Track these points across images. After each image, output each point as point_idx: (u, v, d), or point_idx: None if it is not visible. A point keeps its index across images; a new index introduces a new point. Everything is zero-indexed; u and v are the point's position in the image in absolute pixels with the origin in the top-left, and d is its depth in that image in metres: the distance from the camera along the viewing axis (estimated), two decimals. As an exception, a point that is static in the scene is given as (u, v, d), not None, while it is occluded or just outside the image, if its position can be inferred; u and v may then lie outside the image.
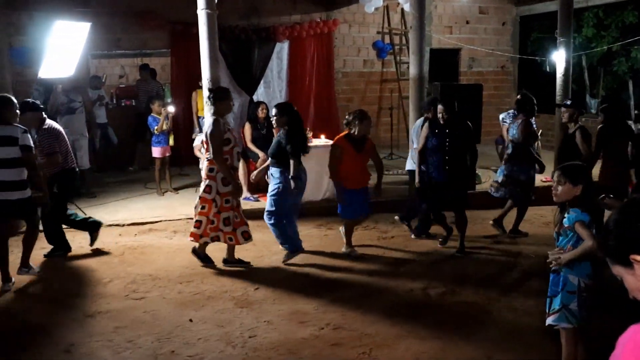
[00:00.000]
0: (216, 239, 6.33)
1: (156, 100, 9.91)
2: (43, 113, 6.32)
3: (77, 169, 6.80)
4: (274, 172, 6.56)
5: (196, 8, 8.00)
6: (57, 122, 9.54)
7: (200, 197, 6.27)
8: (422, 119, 7.30)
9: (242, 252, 6.86)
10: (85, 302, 5.53)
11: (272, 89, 12.66)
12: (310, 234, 7.62)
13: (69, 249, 6.89)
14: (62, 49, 7.79)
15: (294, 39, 12.53)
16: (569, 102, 7.12)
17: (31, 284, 6.01)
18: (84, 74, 11.40)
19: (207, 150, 6.28)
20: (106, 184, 10.51)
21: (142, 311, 5.27)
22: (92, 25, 8.80)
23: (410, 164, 7.46)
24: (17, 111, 5.94)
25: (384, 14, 13.22)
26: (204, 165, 6.49)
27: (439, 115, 6.71)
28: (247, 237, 6.39)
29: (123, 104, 13.15)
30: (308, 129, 9.64)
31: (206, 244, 6.39)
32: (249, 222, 7.62)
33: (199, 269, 6.34)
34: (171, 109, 9.64)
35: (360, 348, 4.50)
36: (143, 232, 7.73)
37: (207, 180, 6.22)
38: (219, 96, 6.36)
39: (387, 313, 5.14)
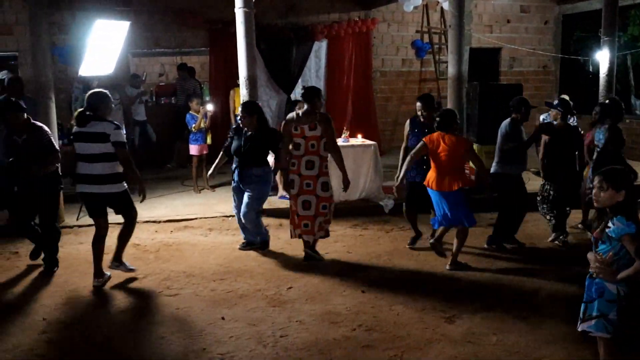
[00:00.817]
0: (327, 233, 6.69)
1: (194, 98, 10.01)
2: (25, 114, 6.26)
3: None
4: (256, 171, 6.57)
5: (234, 7, 8.04)
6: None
7: (320, 197, 6.42)
8: (508, 120, 6.98)
9: (275, 251, 6.88)
10: (119, 298, 5.59)
11: (310, 88, 12.65)
12: (345, 233, 7.58)
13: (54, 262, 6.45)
14: (102, 47, 7.88)
15: (332, 37, 12.50)
16: (555, 103, 7.04)
17: (64, 278, 6.08)
18: (124, 72, 11.56)
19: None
20: (144, 181, 10.58)
21: (175, 308, 5.30)
22: (132, 24, 8.90)
23: (496, 167, 6.99)
24: (113, 106, 6.20)
25: (423, 13, 13.12)
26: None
27: (418, 113, 6.68)
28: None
29: (162, 102, 13.28)
30: (345, 128, 9.61)
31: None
32: (286, 222, 7.65)
33: (233, 267, 6.35)
34: (209, 107, 9.70)
35: (392, 351, 4.44)
36: (179, 229, 7.78)
37: (322, 177, 6.45)
38: (310, 95, 6.44)
39: (420, 316, 5.06)
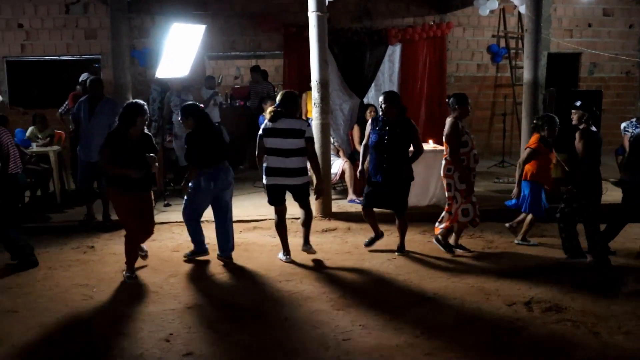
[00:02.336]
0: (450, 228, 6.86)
1: (268, 101, 10.11)
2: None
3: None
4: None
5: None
6: (171, 121, 9.98)
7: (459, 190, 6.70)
8: None
9: (342, 254, 6.88)
10: (186, 295, 5.70)
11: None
12: (413, 239, 7.51)
13: (32, 263, 6.56)
14: (179, 50, 8.07)
15: (407, 42, 12.41)
16: (578, 104, 6.67)
17: (137, 273, 6.27)
18: (200, 74, 11.83)
19: (445, 150, 6.73)
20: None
21: (240, 307, 5.37)
22: (208, 27, 9.09)
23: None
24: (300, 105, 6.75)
25: (500, 17, 12.88)
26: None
27: (380, 110, 6.71)
28: (475, 224, 6.89)
29: (237, 104, 13.50)
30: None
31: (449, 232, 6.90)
32: (355, 225, 7.66)
33: (299, 268, 6.40)
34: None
35: (455, 359, 4.37)
36: (248, 230, 7.89)
37: (446, 179, 6.73)
38: (460, 100, 6.68)
39: (486, 325, 4.96)
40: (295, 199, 6.64)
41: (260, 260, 6.69)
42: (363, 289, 5.79)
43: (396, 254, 6.86)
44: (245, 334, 4.80)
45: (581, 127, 6.54)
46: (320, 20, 8.14)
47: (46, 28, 12.26)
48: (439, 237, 6.94)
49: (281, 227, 6.67)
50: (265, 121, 6.48)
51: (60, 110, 10.48)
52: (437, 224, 7.04)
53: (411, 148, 6.77)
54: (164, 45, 8.01)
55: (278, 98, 6.46)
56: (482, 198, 9.09)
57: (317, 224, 8.03)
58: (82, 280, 6.13)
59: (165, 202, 9.04)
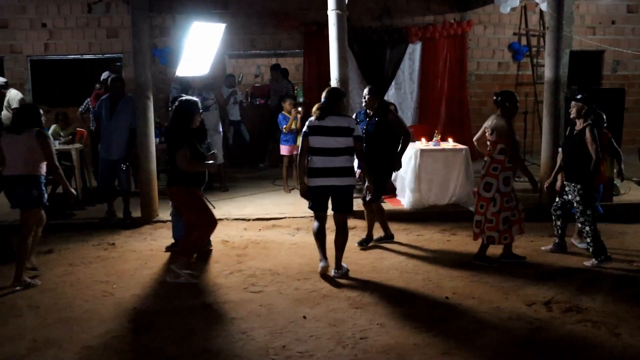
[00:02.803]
0: (491, 239, 6.39)
1: (287, 99, 10.13)
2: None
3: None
4: None
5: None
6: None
7: (478, 196, 6.45)
8: None
9: (361, 253, 6.88)
10: (205, 292, 5.73)
11: (403, 91, 12.57)
12: (432, 238, 7.49)
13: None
14: (199, 49, 8.11)
15: (427, 40, 12.38)
16: (579, 97, 6.50)
17: (156, 271, 6.30)
18: (220, 72, 11.88)
19: (492, 148, 6.40)
20: (237, 179, 10.90)
21: (259, 304, 5.39)
22: (229, 26, 9.12)
23: None
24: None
25: (521, 15, 12.78)
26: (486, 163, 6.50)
27: (363, 102, 6.84)
28: (521, 232, 6.53)
29: (257, 103, 13.54)
30: (437, 131, 9.49)
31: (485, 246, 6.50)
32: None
33: (318, 267, 6.39)
34: (301, 108, 9.80)
35: (473, 359, 4.35)
36: (267, 228, 7.92)
37: (487, 178, 6.36)
38: (511, 98, 6.48)
39: (504, 324, 4.92)
40: (335, 205, 6.14)
41: (278, 258, 6.71)
42: (381, 288, 5.78)
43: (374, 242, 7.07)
44: (263, 332, 4.81)
45: (585, 124, 6.39)
46: (340, 18, 8.13)
47: (69, 27, 12.40)
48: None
49: (321, 235, 6.18)
50: (311, 118, 6.10)
51: (80, 109, 10.60)
52: (475, 229, 6.53)
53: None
54: (185, 44, 8.06)
55: (324, 95, 6.15)
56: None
57: (336, 222, 8.04)
58: (103, 276, 6.19)
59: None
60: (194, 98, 6.26)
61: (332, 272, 6.10)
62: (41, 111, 6.13)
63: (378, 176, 6.75)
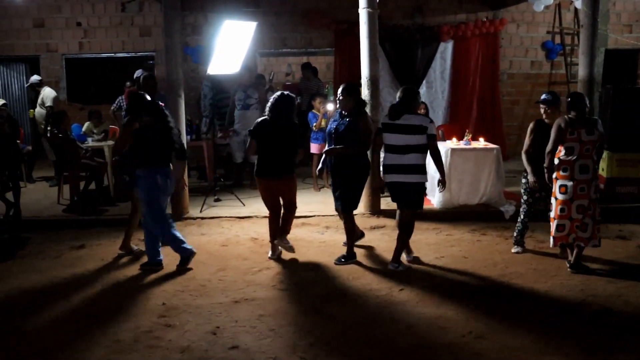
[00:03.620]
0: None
1: (318, 97, 10.13)
2: None
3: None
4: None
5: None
6: (223, 116, 10.11)
7: (555, 199, 6.21)
8: None
9: (390, 252, 6.85)
10: (234, 289, 5.75)
11: (435, 89, 12.50)
12: (462, 238, 7.42)
13: None
14: (230, 47, 8.16)
15: (459, 38, 12.29)
16: (542, 98, 6.46)
17: (184, 268, 6.35)
18: (252, 71, 11.90)
19: (592, 147, 6.10)
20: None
21: (287, 302, 5.40)
22: (260, 25, 9.17)
23: None
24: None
25: (555, 13, 12.59)
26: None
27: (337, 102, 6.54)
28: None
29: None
30: (468, 130, 9.40)
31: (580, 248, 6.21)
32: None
33: (347, 265, 6.38)
34: (329, 107, 9.78)
35: (502, 360, 4.31)
36: (296, 226, 7.88)
37: (595, 181, 6.12)
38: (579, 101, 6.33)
39: (534, 327, 4.85)
40: (402, 201, 6.27)
41: (307, 256, 6.71)
42: (409, 287, 5.74)
43: (341, 260, 6.49)
44: (291, 329, 4.83)
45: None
46: (371, 16, 8.11)
47: (103, 26, 12.57)
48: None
49: (406, 231, 6.36)
50: (384, 116, 6.32)
51: (113, 108, 10.73)
52: (582, 234, 6.16)
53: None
54: (216, 42, 8.12)
55: (398, 94, 6.26)
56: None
57: (366, 221, 8.02)
58: (133, 272, 6.26)
59: (216, 197, 9.15)
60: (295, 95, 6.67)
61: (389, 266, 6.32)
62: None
63: (347, 185, 6.48)
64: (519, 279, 5.99)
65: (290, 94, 6.56)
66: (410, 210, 6.29)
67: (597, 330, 4.80)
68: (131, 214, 6.84)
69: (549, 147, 6.17)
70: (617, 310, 5.19)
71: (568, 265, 6.23)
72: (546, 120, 6.48)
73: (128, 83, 10.96)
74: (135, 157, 6.20)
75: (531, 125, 6.72)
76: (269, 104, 6.49)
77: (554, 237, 6.24)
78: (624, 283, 5.84)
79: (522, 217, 6.81)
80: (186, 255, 6.36)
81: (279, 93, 6.53)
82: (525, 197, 6.77)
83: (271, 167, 6.49)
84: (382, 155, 6.39)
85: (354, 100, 6.45)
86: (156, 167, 6.17)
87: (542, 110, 6.61)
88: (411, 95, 6.20)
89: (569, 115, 6.11)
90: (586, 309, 5.24)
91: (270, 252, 6.72)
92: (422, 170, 6.18)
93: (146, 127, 6.16)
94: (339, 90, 6.51)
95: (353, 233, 6.63)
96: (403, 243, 6.35)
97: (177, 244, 6.34)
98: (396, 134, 6.11)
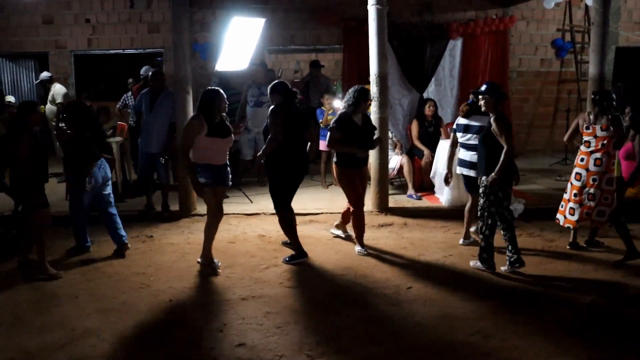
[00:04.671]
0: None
1: (326, 94, 10.11)
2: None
3: None
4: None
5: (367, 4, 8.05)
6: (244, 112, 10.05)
7: (571, 185, 6.82)
8: None
9: (398, 250, 6.83)
10: (241, 286, 5.74)
11: (444, 87, 12.41)
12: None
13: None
14: (238, 43, 8.14)
15: (468, 36, 12.19)
16: (484, 89, 6.19)
17: (193, 264, 6.34)
18: (267, 68, 11.88)
19: (609, 143, 6.61)
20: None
21: (294, 299, 5.39)
22: (268, 21, 9.14)
23: None
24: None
25: (566, 10, 12.51)
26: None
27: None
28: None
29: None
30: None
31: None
32: (411, 221, 7.59)
33: (354, 263, 6.37)
34: (335, 103, 9.74)
35: (510, 360, 4.27)
36: (304, 223, 7.89)
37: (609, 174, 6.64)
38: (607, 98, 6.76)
39: (544, 326, 4.82)
40: (474, 191, 6.69)
41: (314, 253, 6.68)
42: (418, 286, 5.72)
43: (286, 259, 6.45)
44: (297, 327, 4.81)
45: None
46: (379, 13, 8.07)
47: (111, 22, 12.56)
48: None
49: (468, 213, 7.01)
50: (459, 117, 7.00)
51: (118, 106, 10.72)
52: (598, 218, 6.76)
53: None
54: (225, 39, 8.10)
55: (471, 96, 6.80)
56: (543, 196, 8.92)
57: (374, 218, 7.99)
58: (140, 268, 6.26)
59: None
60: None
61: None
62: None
63: (270, 181, 6.60)
64: (528, 278, 5.95)
65: (365, 87, 6.90)
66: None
67: (608, 332, 4.77)
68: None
69: (565, 138, 7.13)
70: (630, 313, 5.15)
71: (569, 245, 6.93)
72: (483, 109, 6.32)
73: (131, 80, 10.96)
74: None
75: None
76: (349, 96, 6.73)
77: (565, 217, 6.86)
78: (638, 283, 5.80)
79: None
80: (77, 246, 6.79)
81: (358, 86, 6.79)
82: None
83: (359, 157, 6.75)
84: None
85: (277, 94, 6.60)
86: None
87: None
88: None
89: (589, 111, 6.77)
90: (598, 309, 5.20)
91: (360, 249, 6.77)
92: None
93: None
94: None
95: (289, 230, 6.56)
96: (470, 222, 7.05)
97: (79, 233, 6.81)
98: (468, 133, 6.78)
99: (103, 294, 5.57)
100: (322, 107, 9.89)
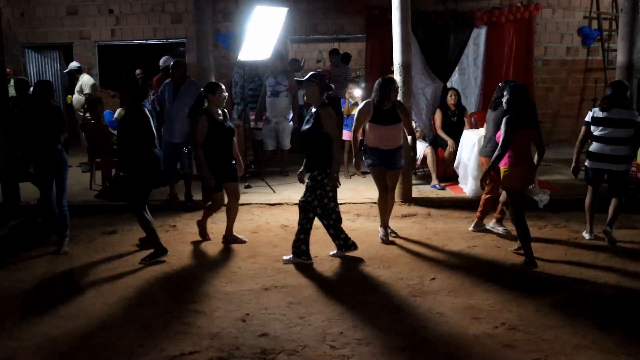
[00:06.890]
0: None
1: (349, 84, 10.06)
2: None
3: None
4: None
5: (391, -7, 7.99)
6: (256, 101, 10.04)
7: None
8: None
9: (422, 240, 6.78)
10: (263, 276, 5.75)
11: (467, 76, 12.27)
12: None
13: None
14: (261, 33, 8.12)
15: (492, 24, 12.03)
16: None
17: (216, 253, 6.35)
18: (284, 57, 11.86)
19: None
20: (299, 164, 10.84)
21: (316, 290, 5.37)
22: (291, 10, 9.10)
23: None
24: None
25: (593, -3, 12.31)
26: None
27: None
28: None
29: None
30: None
31: None
32: (434, 211, 7.53)
33: (378, 253, 6.34)
34: (356, 92, 9.67)
35: (535, 353, 4.20)
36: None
37: None
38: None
39: (570, 319, 4.75)
40: (612, 185, 6.73)
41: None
42: (441, 277, 5.68)
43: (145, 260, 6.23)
44: (320, 317, 4.79)
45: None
46: (403, 1, 7.99)
47: (134, 13, 12.61)
48: None
49: (591, 208, 6.91)
50: (596, 110, 6.73)
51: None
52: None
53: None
54: (247, 29, 8.08)
55: (609, 87, 6.72)
56: (568, 187, 8.79)
57: (397, 209, 7.93)
58: (163, 258, 6.28)
59: (246, 184, 9.13)
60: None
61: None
62: None
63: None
64: (553, 269, 5.88)
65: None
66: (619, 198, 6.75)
67: (636, 324, 4.69)
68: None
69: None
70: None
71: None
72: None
73: (138, 71, 10.97)
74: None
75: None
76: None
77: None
78: (662, 275, 5.71)
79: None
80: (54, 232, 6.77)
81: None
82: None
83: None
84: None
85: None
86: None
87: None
88: (622, 90, 6.58)
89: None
90: (624, 302, 5.13)
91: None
92: (629, 160, 6.70)
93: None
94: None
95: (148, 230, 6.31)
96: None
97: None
98: (608, 127, 6.56)
99: (126, 284, 5.61)
100: (346, 96, 9.84)
